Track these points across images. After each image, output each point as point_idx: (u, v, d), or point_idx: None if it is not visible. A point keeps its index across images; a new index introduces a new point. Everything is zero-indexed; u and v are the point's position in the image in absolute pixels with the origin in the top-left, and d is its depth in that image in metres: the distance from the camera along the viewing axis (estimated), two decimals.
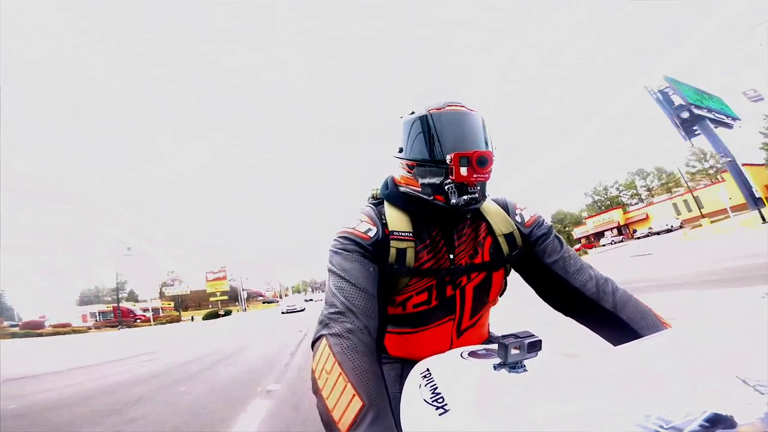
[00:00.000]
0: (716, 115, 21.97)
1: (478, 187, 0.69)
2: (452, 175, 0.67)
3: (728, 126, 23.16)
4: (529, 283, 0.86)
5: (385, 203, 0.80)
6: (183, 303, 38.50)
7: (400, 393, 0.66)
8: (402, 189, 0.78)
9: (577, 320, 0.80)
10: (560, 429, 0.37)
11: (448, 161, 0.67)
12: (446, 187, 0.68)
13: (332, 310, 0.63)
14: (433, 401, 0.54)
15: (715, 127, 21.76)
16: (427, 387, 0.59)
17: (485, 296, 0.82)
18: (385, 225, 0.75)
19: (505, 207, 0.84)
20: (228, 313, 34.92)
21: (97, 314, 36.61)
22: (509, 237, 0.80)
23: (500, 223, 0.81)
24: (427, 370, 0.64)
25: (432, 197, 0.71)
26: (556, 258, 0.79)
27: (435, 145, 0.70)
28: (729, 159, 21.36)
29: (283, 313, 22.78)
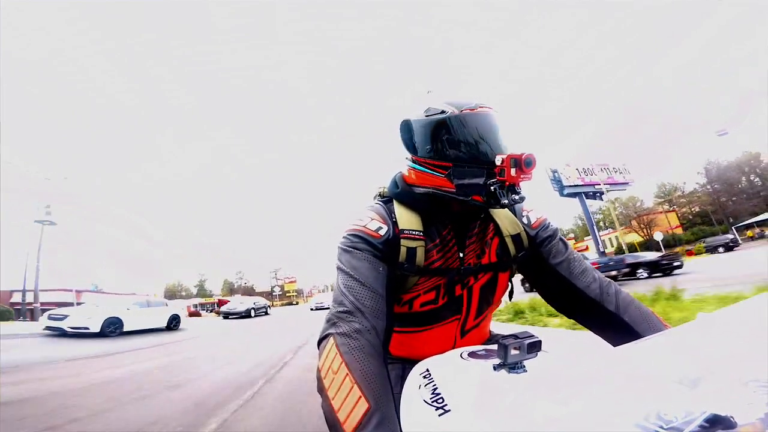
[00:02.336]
0: (598, 186, 32.00)
1: (519, 194, 0.70)
2: (502, 176, 0.67)
3: (620, 189, 33.15)
4: (533, 285, 0.86)
5: (395, 202, 0.80)
6: (251, 294, 50.72)
7: (401, 393, 0.66)
8: (421, 189, 0.76)
9: (579, 322, 0.80)
10: (560, 429, 0.37)
11: (498, 162, 0.67)
12: (492, 188, 0.68)
13: (341, 308, 0.62)
14: (433, 402, 0.54)
15: (588, 198, 31.64)
16: (427, 387, 0.59)
17: (491, 297, 0.83)
18: (395, 224, 0.74)
19: (512, 208, 0.84)
20: (297, 303, 52.63)
21: (197, 305, 43.75)
22: (516, 238, 0.81)
23: (508, 225, 0.81)
24: (427, 370, 0.64)
25: (470, 197, 0.70)
26: (561, 259, 0.80)
27: (477, 146, 0.70)
28: (589, 223, 30.73)
29: (312, 309, 21.74)
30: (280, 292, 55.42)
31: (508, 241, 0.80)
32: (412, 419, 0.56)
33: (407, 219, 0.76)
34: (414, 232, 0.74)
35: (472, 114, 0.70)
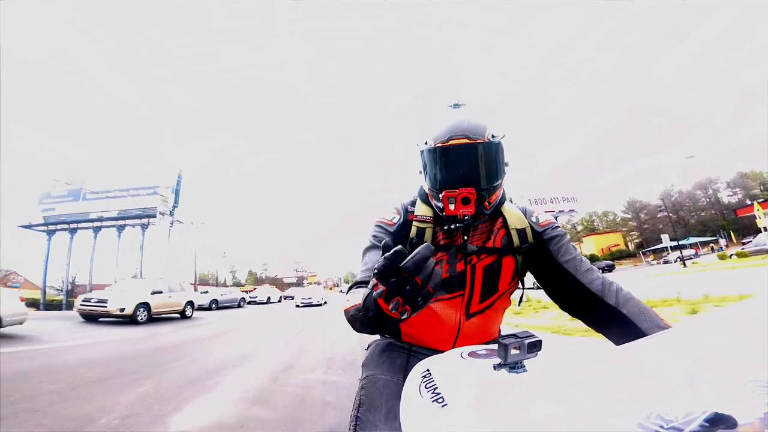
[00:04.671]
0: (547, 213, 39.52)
1: (467, 217, 0.80)
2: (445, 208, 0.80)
3: (568, 215, 37.10)
4: (540, 282, 0.92)
5: (418, 200, 0.95)
6: (278, 284, 60.61)
7: (404, 381, 0.67)
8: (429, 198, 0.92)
9: (582, 319, 0.86)
10: (560, 429, 0.37)
11: (441, 197, 0.80)
12: (443, 216, 0.83)
13: (355, 280, 0.82)
14: (433, 401, 0.54)
15: None
16: (427, 387, 0.59)
17: (495, 282, 0.89)
18: (411, 212, 0.92)
19: (523, 211, 0.94)
20: None
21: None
22: (521, 232, 0.90)
23: (515, 220, 0.91)
24: (428, 370, 0.64)
25: (444, 214, 0.84)
26: (569, 258, 0.87)
27: (437, 179, 0.83)
28: None
29: (297, 306, 18.57)
30: (307, 284, 64.47)
31: (513, 233, 0.89)
32: (413, 418, 0.56)
33: (422, 210, 0.91)
34: (425, 217, 0.90)
35: (442, 148, 0.82)
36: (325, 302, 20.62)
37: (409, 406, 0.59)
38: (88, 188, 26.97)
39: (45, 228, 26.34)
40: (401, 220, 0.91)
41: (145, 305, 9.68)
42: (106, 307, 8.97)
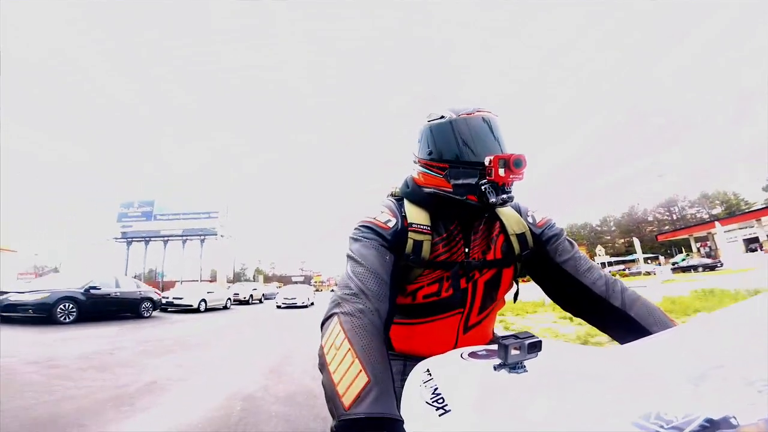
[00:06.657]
0: None
1: (512, 187, 0.73)
2: (490, 176, 0.69)
3: None
4: (540, 284, 0.87)
5: (405, 201, 0.84)
6: (286, 282, 65.46)
7: (402, 389, 0.66)
8: (427, 190, 0.80)
9: (585, 320, 0.81)
10: (560, 429, 0.37)
11: (487, 163, 0.70)
12: (483, 187, 0.71)
13: (346, 291, 0.64)
14: (433, 402, 0.54)
15: None
16: (427, 387, 0.59)
17: (494, 293, 0.84)
18: (404, 218, 0.79)
19: (517, 209, 0.87)
20: (321, 290, 62.65)
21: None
22: (521, 237, 0.83)
23: (513, 224, 0.83)
24: (428, 370, 0.64)
25: (465, 197, 0.74)
26: (567, 257, 0.81)
27: (470, 147, 0.73)
28: None
29: (278, 307, 16.69)
30: (314, 282, 70.43)
31: (513, 239, 0.82)
32: (413, 419, 0.56)
33: (416, 215, 0.79)
34: (422, 226, 0.78)
35: (469, 118, 0.74)
36: (312, 303, 18.52)
37: (409, 407, 0.59)
38: (158, 211, 38.29)
39: (125, 240, 38.43)
40: (398, 226, 0.76)
41: (250, 296, 20.58)
42: (238, 295, 19.62)
